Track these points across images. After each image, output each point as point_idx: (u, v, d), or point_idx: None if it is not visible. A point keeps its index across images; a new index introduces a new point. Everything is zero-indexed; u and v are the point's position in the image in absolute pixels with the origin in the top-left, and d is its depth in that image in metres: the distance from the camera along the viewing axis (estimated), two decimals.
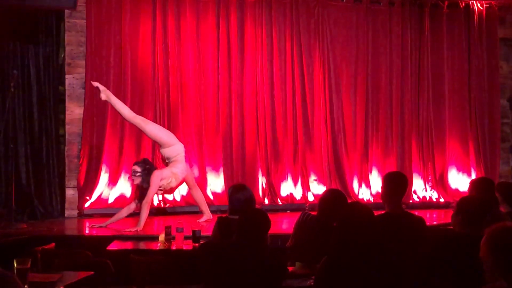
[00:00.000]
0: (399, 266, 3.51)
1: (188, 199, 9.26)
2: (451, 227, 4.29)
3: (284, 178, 9.78)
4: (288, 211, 9.48)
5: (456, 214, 4.09)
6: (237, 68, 9.69)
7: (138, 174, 7.62)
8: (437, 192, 10.30)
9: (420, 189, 10.29)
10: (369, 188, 10.01)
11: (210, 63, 9.62)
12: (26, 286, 3.78)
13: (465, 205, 4.06)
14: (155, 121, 9.19)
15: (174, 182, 7.90)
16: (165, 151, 8.00)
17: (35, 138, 8.80)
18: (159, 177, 7.68)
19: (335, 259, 3.51)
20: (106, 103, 9.05)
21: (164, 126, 9.12)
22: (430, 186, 10.32)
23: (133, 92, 9.23)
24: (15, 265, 3.81)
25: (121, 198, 9.07)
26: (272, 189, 9.72)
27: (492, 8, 10.52)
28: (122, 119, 9.12)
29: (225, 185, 9.34)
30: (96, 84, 8.04)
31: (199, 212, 8.53)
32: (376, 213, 4.74)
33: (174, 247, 5.89)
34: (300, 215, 5.13)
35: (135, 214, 8.82)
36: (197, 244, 5.72)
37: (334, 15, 10.12)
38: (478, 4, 10.47)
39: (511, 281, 2.91)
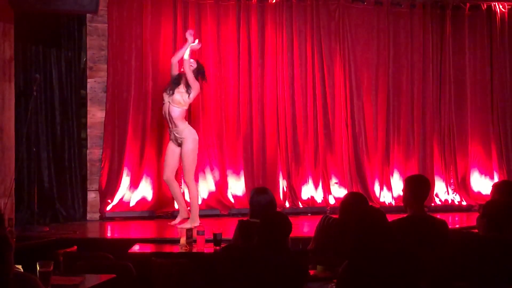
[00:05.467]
0: (420, 270, 3.49)
1: (208, 202, 9.28)
2: (474, 230, 4.26)
3: (305, 181, 9.74)
4: (309, 214, 9.44)
5: (481, 217, 4.07)
6: (257, 71, 9.68)
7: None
8: (459, 195, 10.20)
9: (442, 192, 10.19)
10: (390, 191, 9.95)
11: (230, 66, 9.62)
12: None
13: (491, 208, 4.05)
14: None
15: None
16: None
17: (57, 141, 8.84)
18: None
19: (355, 263, 3.49)
20: (127, 106, 9.13)
21: None
22: (452, 189, 10.22)
23: (154, 95, 9.25)
24: (38, 268, 3.83)
25: (142, 201, 9.11)
26: (293, 192, 9.69)
27: None
28: (144, 123, 9.19)
29: (246, 188, 9.33)
30: None
31: (221, 215, 8.50)
32: (398, 216, 4.75)
33: (195, 250, 5.89)
34: (321, 218, 5.13)
35: (155, 217, 8.88)
36: (218, 247, 5.71)
37: (355, 17, 10.06)
38: (500, 6, 10.37)
39: None
